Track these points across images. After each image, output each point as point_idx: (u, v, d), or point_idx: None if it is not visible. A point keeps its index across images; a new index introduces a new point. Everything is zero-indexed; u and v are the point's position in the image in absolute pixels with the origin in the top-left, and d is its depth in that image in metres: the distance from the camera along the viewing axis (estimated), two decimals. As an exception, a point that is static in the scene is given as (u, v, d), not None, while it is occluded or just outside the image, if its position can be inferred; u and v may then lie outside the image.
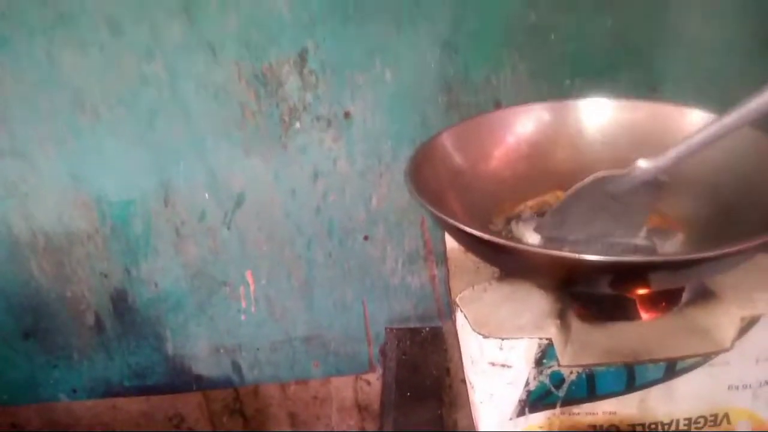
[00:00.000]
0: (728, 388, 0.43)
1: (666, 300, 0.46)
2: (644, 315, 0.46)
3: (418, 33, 0.69)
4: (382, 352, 0.74)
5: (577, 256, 0.38)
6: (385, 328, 0.77)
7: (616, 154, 0.53)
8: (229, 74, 0.72)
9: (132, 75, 0.73)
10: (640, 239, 0.46)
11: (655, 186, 0.43)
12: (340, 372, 0.94)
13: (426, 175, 0.51)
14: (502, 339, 0.43)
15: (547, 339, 0.43)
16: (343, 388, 0.98)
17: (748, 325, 0.41)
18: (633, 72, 0.70)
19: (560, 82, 0.71)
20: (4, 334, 0.90)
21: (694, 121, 0.52)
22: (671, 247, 0.46)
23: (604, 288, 0.41)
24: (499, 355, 0.44)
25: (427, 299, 0.87)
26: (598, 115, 0.55)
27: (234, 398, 0.98)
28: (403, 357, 0.70)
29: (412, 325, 0.80)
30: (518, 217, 0.51)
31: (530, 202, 0.53)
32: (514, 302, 0.46)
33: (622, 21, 0.68)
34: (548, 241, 0.48)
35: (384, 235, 0.83)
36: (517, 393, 0.45)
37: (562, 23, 0.68)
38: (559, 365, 0.43)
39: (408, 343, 0.73)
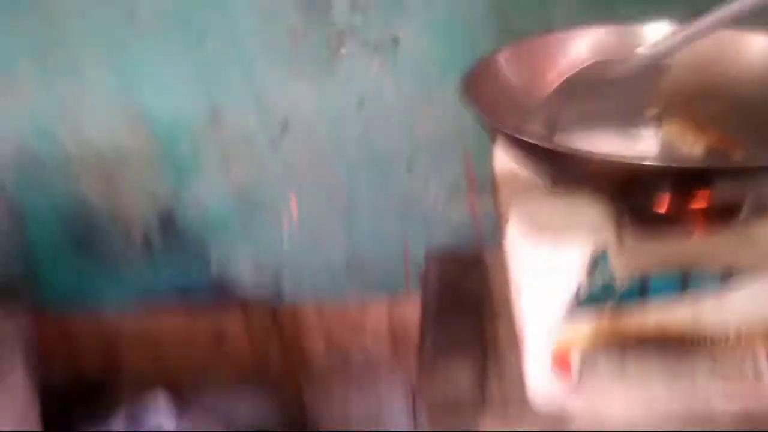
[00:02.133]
0: (779, 303, 0.45)
1: (722, 216, 0.47)
2: (700, 231, 0.47)
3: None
4: (423, 274, 0.76)
5: (636, 161, 0.39)
6: (426, 251, 0.79)
7: (676, 83, 0.53)
8: (279, -9, 0.73)
9: (184, -9, 0.73)
10: (695, 156, 0.47)
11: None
12: (376, 298, 0.97)
13: (479, 91, 0.52)
14: (557, 243, 0.45)
15: (601, 245, 0.44)
16: (378, 314, 1.01)
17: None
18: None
19: (615, 8, 0.70)
20: (56, 245, 0.95)
21: (757, 46, 0.51)
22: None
23: (661, 196, 0.42)
24: (551, 260, 0.45)
25: (468, 231, 0.89)
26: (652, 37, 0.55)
27: (273, 318, 1.02)
28: (443, 278, 0.72)
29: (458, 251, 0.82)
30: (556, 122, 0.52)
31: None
32: (568, 212, 0.47)
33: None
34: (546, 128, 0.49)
35: (427, 165, 0.84)
36: (566, 297, 0.47)
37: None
38: (612, 272, 0.45)
39: (449, 265, 0.74)
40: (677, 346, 0.47)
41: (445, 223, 0.87)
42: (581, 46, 0.55)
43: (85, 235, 0.93)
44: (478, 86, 0.51)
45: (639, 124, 0.52)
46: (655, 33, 0.55)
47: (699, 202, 0.45)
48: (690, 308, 0.45)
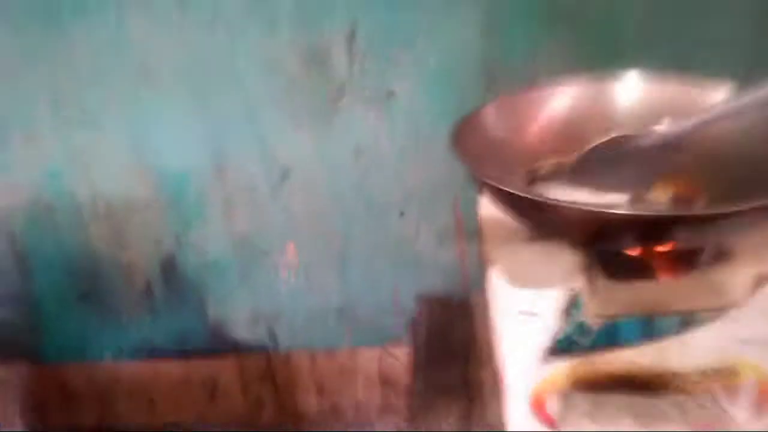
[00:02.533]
0: (740, 342, 0.47)
1: (685, 261, 0.49)
2: (665, 274, 0.50)
3: (460, 16, 0.74)
4: (414, 318, 0.79)
5: (605, 209, 0.42)
6: (416, 296, 0.82)
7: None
8: (283, 50, 0.78)
9: (194, 46, 0.78)
10: (662, 205, 0.50)
11: (670, 149, 0.47)
12: (368, 343, 0.99)
13: (467, 143, 0.55)
14: (532, 289, 0.47)
15: (574, 290, 0.46)
16: (369, 361, 1.02)
17: (758, 283, 0.45)
18: (667, 54, 0.72)
19: (596, 65, 0.74)
20: (61, 296, 0.97)
21: (722, 95, 0.55)
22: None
23: (629, 242, 0.45)
24: (528, 304, 0.48)
25: (456, 276, 0.91)
26: (628, 90, 0.59)
27: (267, 366, 1.03)
28: (433, 323, 0.74)
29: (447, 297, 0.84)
30: (536, 174, 0.56)
31: (550, 160, 0.57)
32: (545, 258, 0.50)
33: (653, 4, 0.71)
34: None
35: (418, 212, 0.88)
36: (542, 341, 0.49)
37: (598, 8, 0.71)
38: (584, 315, 0.47)
39: (437, 311, 0.77)
40: (647, 388, 0.49)
41: (435, 268, 0.90)
42: (561, 101, 0.59)
43: (89, 285, 0.96)
44: (466, 138, 0.55)
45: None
46: (628, 85, 0.59)
47: (662, 248, 0.47)
48: (655, 351, 0.47)
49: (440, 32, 0.75)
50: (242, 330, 1.00)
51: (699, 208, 0.47)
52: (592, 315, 0.47)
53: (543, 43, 0.74)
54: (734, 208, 0.40)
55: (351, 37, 0.76)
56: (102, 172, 0.87)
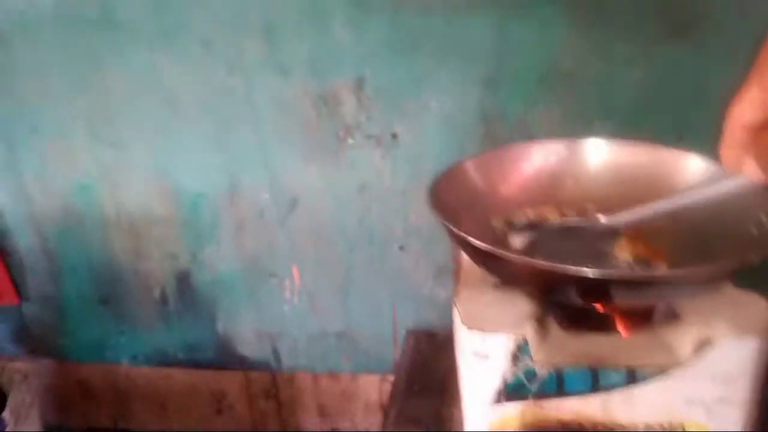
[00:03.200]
0: (685, 401, 0.49)
1: (637, 319, 0.52)
2: (617, 329, 0.52)
3: (462, 69, 0.78)
4: (402, 351, 0.82)
5: (546, 264, 0.45)
6: (406, 330, 0.85)
7: (617, 190, 0.60)
8: (296, 92, 0.84)
9: (216, 85, 0.85)
10: (621, 267, 0.52)
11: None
12: (367, 369, 1.03)
13: (447, 194, 0.59)
14: (485, 332, 0.50)
15: (522, 336, 0.49)
16: (369, 386, 1.05)
17: (702, 345, 0.47)
18: (661, 121, 0.76)
19: (591, 123, 0.77)
20: (84, 299, 1.05)
21: (691, 166, 0.57)
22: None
23: (573, 297, 0.48)
24: (481, 346, 0.51)
25: (450, 311, 0.93)
26: (604, 154, 0.62)
27: (272, 383, 1.08)
28: (416, 356, 0.77)
29: (434, 330, 0.87)
30: (513, 224, 0.59)
31: (529, 211, 0.60)
32: (502, 304, 0.53)
33: (651, 73, 0.74)
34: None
35: (418, 247, 0.91)
36: (495, 382, 0.52)
37: (595, 71, 0.75)
38: (532, 361, 0.50)
39: (424, 344, 0.80)
40: (596, 437, 0.51)
41: (431, 303, 0.93)
42: (538, 157, 0.63)
43: (110, 291, 1.03)
44: (443, 191, 0.59)
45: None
46: (598, 147, 0.62)
47: (612, 306, 0.50)
48: (601, 403, 0.50)
49: (442, 82, 0.80)
50: (248, 346, 1.05)
51: (635, 271, 0.50)
52: (539, 361, 0.50)
53: (540, 97, 0.77)
54: (668, 273, 0.43)
55: (359, 85, 0.81)
56: (127, 189, 0.95)
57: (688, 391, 0.48)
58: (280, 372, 1.06)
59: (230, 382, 1.09)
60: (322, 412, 1.10)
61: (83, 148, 0.93)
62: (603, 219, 0.54)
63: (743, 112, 0.36)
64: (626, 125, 0.77)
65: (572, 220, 0.58)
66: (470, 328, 0.51)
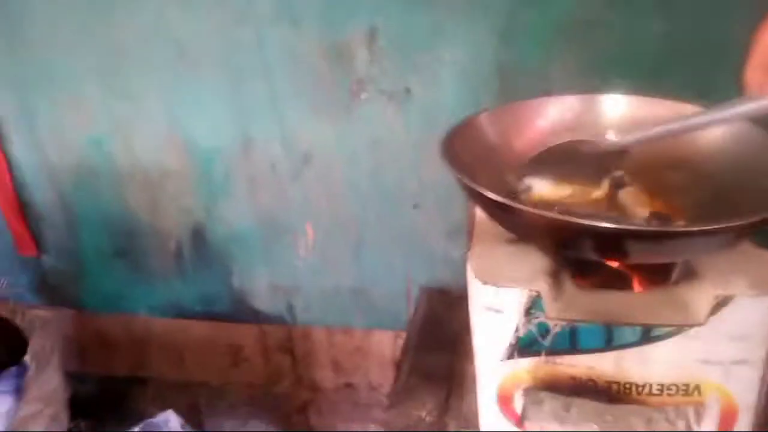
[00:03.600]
0: (701, 361, 0.48)
1: (655, 276, 0.51)
2: (634, 287, 0.52)
3: (477, 20, 0.76)
4: (415, 308, 0.82)
5: (561, 216, 0.44)
6: (420, 287, 0.85)
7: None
8: (308, 44, 0.82)
9: (227, 36, 0.84)
10: (638, 221, 0.51)
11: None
12: (381, 326, 1.03)
13: (460, 148, 0.58)
14: (498, 286, 0.50)
15: (536, 292, 0.49)
16: (383, 343, 1.06)
17: (721, 304, 0.46)
18: (682, 77, 0.73)
19: (609, 79, 0.75)
20: (100, 251, 1.06)
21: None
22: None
23: (588, 251, 0.47)
24: (495, 300, 0.51)
25: (464, 269, 0.93)
26: (621, 110, 0.60)
27: (287, 337, 1.09)
28: (429, 313, 0.78)
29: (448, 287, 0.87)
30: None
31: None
32: (516, 259, 0.52)
33: (674, 25, 0.71)
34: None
35: (432, 205, 0.90)
36: (507, 337, 0.52)
37: (615, 22, 0.72)
38: (545, 317, 0.50)
39: (437, 301, 0.80)
40: (609, 393, 0.51)
41: (445, 260, 0.92)
42: (553, 112, 0.61)
43: (126, 243, 1.04)
44: (458, 145, 0.58)
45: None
46: (615, 104, 0.60)
47: (628, 262, 0.49)
48: (615, 360, 0.49)
49: (458, 34, 0.77)
50: (263, 301, 1.06)
51: (652, 225, 0.48)
52: (552, 317, 0.49)
53: (557, 50, 0.75)
54: (685, 228, 0.41)
55: (372, 36, 0.79)
56: (140, 143, 0.94)
57: (705, 351, 0.48)
58: (295, 327, 1.07)
59: (246, 335, 1.10)
60: (336, 367, 1.11)
61: (96, 101, 0.92)
62: (613, 137, 0.53)
63: None
64: (646, 80, 0.73)
65: (583, 140, 0.57)
66: (483, 282, 0.50)
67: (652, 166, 0.57)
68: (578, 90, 0.75)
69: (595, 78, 0.75)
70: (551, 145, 0.58)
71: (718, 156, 0.56)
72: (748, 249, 0.49)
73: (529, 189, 0.58)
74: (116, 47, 0.88)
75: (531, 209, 0.46)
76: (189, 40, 0.85)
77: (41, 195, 1.02)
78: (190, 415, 1.20)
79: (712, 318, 0.46)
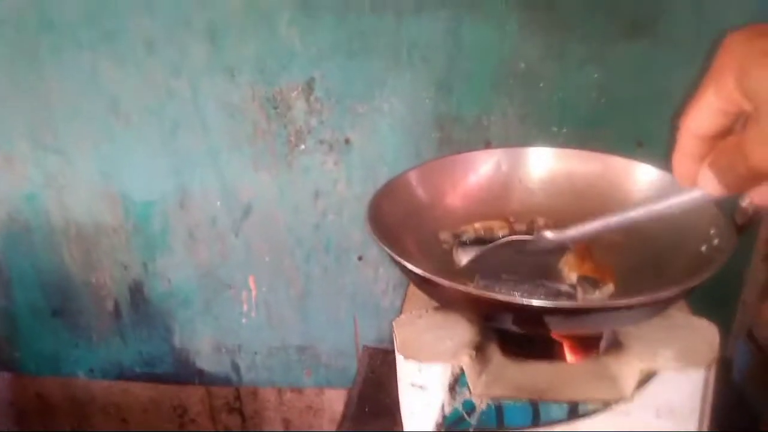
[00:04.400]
0: (630, 437, 0.45)
1: (584, 346, 0.48)
2: (564, 357, 0.49)
3: (415, 71, 0.74)
4: (357, 370, 0.78)
5: (480, 292, 0.41)
6: (363, 347, 0.81)
7: (568, 201, 0.56)
8: (244, 95, 0.80)
9: (160, 89, 0.81)
10: (565, 286, 0.48)
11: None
12: (330, 384, 0.99)
13: (389, 209, 0.55)
14: (420, 362, 0.47)
15: (459, 367, 0.46)
16: (335, 400, 1.02)
17: (646, 378, 0.43)
18: (619, 125, 0.72)
19: (548, 128, 0.74)
20: (36, 310, 1.01)
21: (644, 176, 0.54)
22: (597, 296, 0.49)
23: (507, 324, 0.44)
24: (418, 377, 0.47)
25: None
26: (554, 163, 0.58)
27: (235, 397, 1.04)
28: (371, 374, 0.74)
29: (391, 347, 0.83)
30: (461, 238, 0.55)
31: (477, 224, 0.56)
32: (441, 330, 0.49)
33: (608, 74, 0.70)
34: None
35: (377, 257, 0.87)
36: (433, 415, 0.48)
37: (551, 73, 0.71)
38: (470, 393, 0.46)
39: (378, 362, 0.76)
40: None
41: (394, 314, 0.88)
42: (483, 166, 0.59)
43: (63, 302, 0.99)
44: (385, 206, 0.55)
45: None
46: (540, 156, 0.59)
47: (552, 335, 0.46)
48: (543, 437, 0.46)
49: (396, 85, 0.75)
50: (207, 360, 1.01)
51: (572, 301, 0.46)
52: (477, 394, 0.46)
53: (495, 100, 0.74)
54: (607, 302, 0.39)
55: (309, 87, 0.77)
56: (74, 198, 0.90)
57: (633, 427, 0.44)
58: (241, 386, 1.02)
59: (191, 396, 1.05)
60: (288, 426, 1.06)
61: (26, 156, 0.88)
62: (550, 235, 0.50)
63: (697, 120, 0.33)
64: (585, 129, 0.73)
65: (519, 235, 0.54)
66: (406, 357, 0.47)
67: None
68: (517, 139, 0.75)
69: (533, 128, 0.75)
70: (487, 247, 0.53)
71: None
72: (677, 314, 0.46)
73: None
74: (46, 101, 0.84)
75: (449, 283, 0.43)
76: (120, 91, 0.82)
77: (-28, 252, 0.97)
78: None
79: (639, 392, 0.43)
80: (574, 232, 0.46)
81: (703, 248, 0.46)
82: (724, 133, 0.33)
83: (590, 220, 0.45)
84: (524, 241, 0.48)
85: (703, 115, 0.33)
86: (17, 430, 1.13)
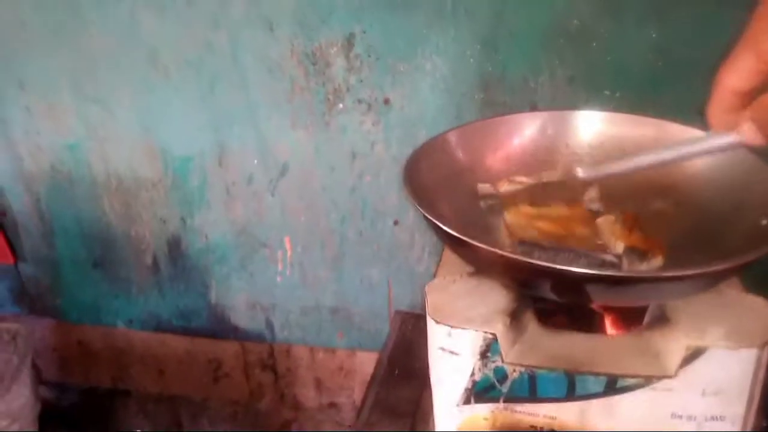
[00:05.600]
0: (671, 416, 0.43)
1: (626, 319, 0.45)
2: (603, 330, 0.46)
3: (460, 27, 0.71)
4: (388, 333, 0.77)
5: (513, 256, 0.39)
6: (395, 311, 0.80)
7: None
8: (283, 50, 0.78)
9: (199, 41, 0.80)
10: (610, 256, 0.46)
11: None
12: (362, 346, 0.99)
13: (426, 170, 0.53)
14: (451, 327, 0.45)
15: (492, 334, 0.44)
16: (367, 362, 1.01)
17: (693, 355, 0.40)
18: (678, 90, 0.67)
19: (600, 91, 0.70)
20: (78, 261, 1.03)
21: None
22: (644, 268, 0.46)
23: (545, 292, 0.42)
24: (448, 341, 0.46)
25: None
26: (601, 127, 0.55)
27: (269, 354, 1.05)
28: (402, 338, 0.73)
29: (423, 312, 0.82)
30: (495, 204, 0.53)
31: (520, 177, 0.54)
32: (474, 296, 0.47)
33: (667, 34, 0.65)
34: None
35: (413, 221, 0.86)
36: (463, 381, 0.47)
37: (605, 31, 0.67)
38: (502, 361, 0.45)
39: (410, 326, 0.75)
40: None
41: (429, 277, 0.87)
42: (528, 129, 0.56)
43: (103, 253, 1.01)
44: (423, 167, 0.53)
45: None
46: (590, 120, 0.55)
47: (593, 304, 0.44)
48: (578, 411, 0.44)
49: (439, 43, 0.72)
50: (242, 316, 1.02)
51: (616, 270, 0.43)
52: (510, 362, 0.44)
53: (544, 61, 0.70)
54: (656, 273, 0.36)
55: (349, 43, 0.75)
56: (115, 150, 0.91)
57: (676, 406, 0.42)
58: (275, 343, 1.03)
59: (226, 351, 1.06)
60: (320, 386, 1.07)
61: (69, 106, 0.89)
62: (581, 172, 0.48)
63: (734, 78, 0.35)
64: (640, 94, 0.69)
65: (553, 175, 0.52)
66: (437, 321, 0.46)
67: (636, 191, 0.52)
68: (565, 103, 0.71)
69: (584, 91, 0.71)
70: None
71: (706, 185, 0.50)
72: (729, 291, 0.43)
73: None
74: (87, 50, 0.84)
75: (485, 246, 0.41)
76: (160, 43, 0.81)
77: (17, 201, 0.99)
78: (173, 429, 1.18)
79: (684, 369, 0.41)
80: (600, 171, 0.46)
81: (764, 222, 0.43)
82: (760, 89, 0.35)
83: (621, 159, 0.43)
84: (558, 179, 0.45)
85: (741, 74, 0.35)
86: (59, 376, 1.17)
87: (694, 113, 0.68)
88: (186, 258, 0.98)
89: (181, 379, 1.12)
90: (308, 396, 1.09)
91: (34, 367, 0.99)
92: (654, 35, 0.65)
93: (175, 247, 0.98)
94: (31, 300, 1.10)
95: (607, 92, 0.69)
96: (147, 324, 1.07)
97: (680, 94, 0.67)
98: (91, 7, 0.81)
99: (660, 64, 0.67)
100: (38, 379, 1.00)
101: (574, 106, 0.58)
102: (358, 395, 1.06)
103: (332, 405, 1.09)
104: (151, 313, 1.06)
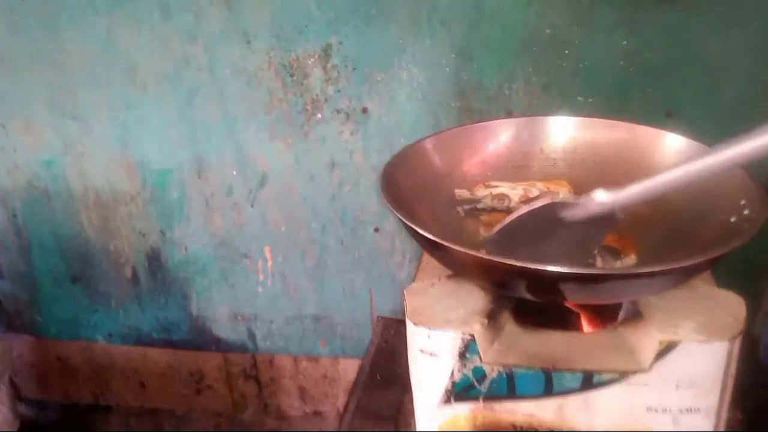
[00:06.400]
0: (647, 409, 0.44)
1: (601, 317, 0.47)
2: (579, 327, 0.47)
3: (435, 37, 0.72)
4: (371, 340, 0.78)
5: (490, 258, 0.40)
6: (377, 317, 0.81)
7: (589, 170, 0.54)
8: (260, 62, 0.78)
9: (176, 55, 0.80)
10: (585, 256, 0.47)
11: (609, 220, 0.42)
12: (345, 353, 0.99)
13: (401, 177, 0.54)
14: (430, 329, 0.46)
15: (470, 335, 0.45)
16: (351, 370, 1.02)
17: (667, 349, 0.42)
18: (648, 94, 0.69)
19: (573, 97, 0.71)
20: (56, 277, 1.02)
21: (668, 145, 0.52)
22: (618, 266, 0.47)
23: (521, 292, 0.43)
24: (427, 343, 0.46)
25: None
26: (574, 132, 0.56)
27: (251, 365, 1.05)
28: (384, 344, 0.73)
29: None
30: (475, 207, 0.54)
31: (494, 190, 0.55)
32: (453, 298, 0.48)
33: (637, 41, 0.67)
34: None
35: (393, 228, 0.86)
36: (443, 382, 0.47)
37: (577, 40, 0.68)
38: (481, 361, 0.45)
39: (392, 332, 0.76)
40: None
41: (411, 283, 0.88)
42: (501, 135, 0.57)
43: (81, 267, 1.00)
44: (400, 174, 0.54)
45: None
46: (563, 125, 0.57)
47: (568, 303, 0.45)
48: (556, 407, 0.45)
49: (415, 52, 0.74)
50: (223, 327, 1.01)
51: (589, 268, 0.44)
52: (488, 361, 0.45)
53: (518, 68, 0.71)
54: (627, 270, 0.37)
55: (326, 54, 0.76)
56: (92, 164, 0.91)
57: (651, 399, 0.43)
58: (258, 354, 1.02)
59: (208, 362, 1.06)
60: (304, 394, 1.07)
61: (46, 122, 0.89)
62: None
63: None
64: (612, 99, 0.71)
65: (560, 197, 0.51)
66: (416, 323, 0.46)
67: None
68: (540, 109, 0.73)
69: (558, 97, 0.72)
70: (524, 209, 0.45)
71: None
72: (701, 286, 0.44)
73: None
74: (64, 67, 0.84)
75: (461, 249, 0.42)
76: (137, 58, 0.81)
77: (-7, 218, 0.99)
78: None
79: (658, 364, 0.42)
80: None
81: (733, 219, 0.44)
82: None
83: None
84: (568, 205, 0.42)
85: None
86: (39, 393, 1.15)
87: (665, 116, 0.71)
88: (166, 271, 0.98)
89: (163, 392, 1.11)
90: (292, 405, 1.09)
91: (13, 384, 0.97)
92: (624, 42, 0.67)
93: (154, 260, 0.97)
94: (8, 317, 1.09)
95: (580, 98, 0.71)
96: (127, 338, 1.06)
97: (650, 98, 0.70)
98: (68, 24, 0.81)
99: (631, 70, 0.69)
100: (17, 396, 0.98)
101: (549, 112, 0.60)
102: (342, 403, 1.06)
103: (317, 413, 1.09)
104: (132, 327, 1.05)
